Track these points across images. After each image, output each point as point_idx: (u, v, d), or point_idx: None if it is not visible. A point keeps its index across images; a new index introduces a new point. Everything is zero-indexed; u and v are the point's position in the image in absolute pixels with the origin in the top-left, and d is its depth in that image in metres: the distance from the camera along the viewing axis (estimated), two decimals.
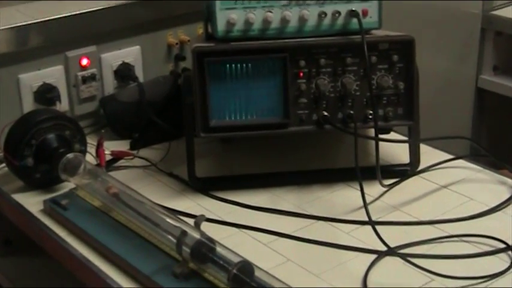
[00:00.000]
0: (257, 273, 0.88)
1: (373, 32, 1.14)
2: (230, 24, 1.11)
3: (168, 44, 1.44)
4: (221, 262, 0.89)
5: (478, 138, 1.99)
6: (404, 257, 0.96)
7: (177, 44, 1.44)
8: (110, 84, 1.39)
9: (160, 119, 1.30)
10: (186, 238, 0.92)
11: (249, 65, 1.10)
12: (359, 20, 1.09)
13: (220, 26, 1.11)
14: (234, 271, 0.87)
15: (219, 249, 0.91)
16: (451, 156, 1.21)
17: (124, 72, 1.39)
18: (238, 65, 1.09)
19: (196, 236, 0.92)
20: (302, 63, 1.10)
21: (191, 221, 0.98)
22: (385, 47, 1.10)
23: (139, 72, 1.41)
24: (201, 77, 1.09)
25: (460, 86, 1.97)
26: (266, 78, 1.10)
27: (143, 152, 1.28)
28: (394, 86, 1.11)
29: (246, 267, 0.88)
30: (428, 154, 1.22)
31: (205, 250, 0.91)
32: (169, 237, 0.95)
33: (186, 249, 0.92)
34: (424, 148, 1.21)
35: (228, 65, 1.09)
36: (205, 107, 1.09)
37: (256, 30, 1.11)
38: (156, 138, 1.31)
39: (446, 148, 1.25)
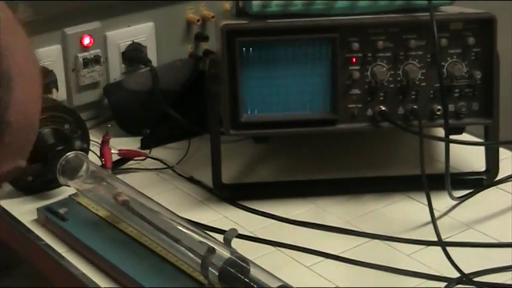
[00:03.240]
0: None
1: (444, 8, 1.15)
2: None
3: (188, 20, 1.45)
4: (256, 287, 0.90)
5: None
6: (481, 286, 0.97)
7: (198, 20, 1.45)
8: (116, 69, 1.40)
9: (177, 112, 1.31)
10: (214, 257, 0.93)
11: (290, 47, 1.10)
12: None
13: None
14: None
15: (253, 270, 0.92)
16: None
17: (134, 54, 1.40)
18: (277, 48, 1.10)
19: (226, 254, 0.94)
20: (355, 46, 1.10)
21: (217, 237, 1.00)
22: (458, 27, 1.11)
23: (152, 55, 1.42)
24: (231, 62, 1.10)
25: None
26: (310, 63, 1.11)
27: (157, 152, 1.29)
28: (468, 75, 1.12)
29: None
30: (509, 160, 1.22)
31: (236, 272, 0.92)
32: (192, 255, 0.96)
33: (213, 271, 0.93)
34: (503, 153, 1.21)
35: (264, 47, 1.10)
36: (236, 99, 1.10)
37: (299, 5, 1.12)
38: (173, 136, 1.33)
39: None
